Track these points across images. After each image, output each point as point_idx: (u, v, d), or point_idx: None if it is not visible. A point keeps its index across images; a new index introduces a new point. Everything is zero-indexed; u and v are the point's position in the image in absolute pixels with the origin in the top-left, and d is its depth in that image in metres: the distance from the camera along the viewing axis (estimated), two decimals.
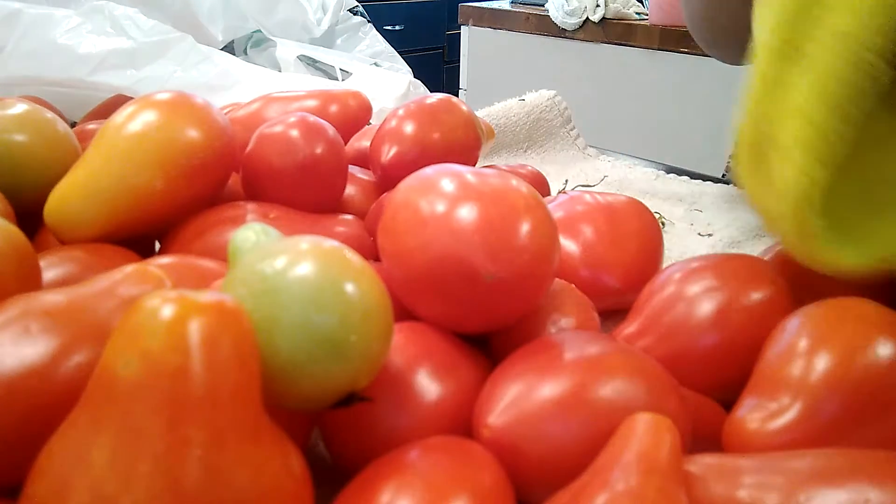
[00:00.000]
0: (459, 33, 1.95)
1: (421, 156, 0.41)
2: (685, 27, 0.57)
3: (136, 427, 0.18)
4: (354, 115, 0.47)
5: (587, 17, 1.59)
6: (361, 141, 0.50)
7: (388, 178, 0.42)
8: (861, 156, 0.28)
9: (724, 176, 0.77)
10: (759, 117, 0.29)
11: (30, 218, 0.34)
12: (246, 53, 0.85)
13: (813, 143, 0.27)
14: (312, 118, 0.39)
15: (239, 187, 0.40)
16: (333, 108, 0.46)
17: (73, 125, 0.49)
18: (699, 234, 0.53)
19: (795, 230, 0.29)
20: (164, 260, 0.31)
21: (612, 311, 0.39)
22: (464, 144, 0.43)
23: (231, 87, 0.62)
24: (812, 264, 0.30)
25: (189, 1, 0.78)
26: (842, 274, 0.29)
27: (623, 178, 0.65)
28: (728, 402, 0.29)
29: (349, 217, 0.40)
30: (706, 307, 0.31)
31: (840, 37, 0.26)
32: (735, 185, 0.63)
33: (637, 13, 1.57)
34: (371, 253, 0.37)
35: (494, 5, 1.86)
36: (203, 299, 0.20)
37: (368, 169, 0.46)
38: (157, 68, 0.61)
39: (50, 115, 0.37)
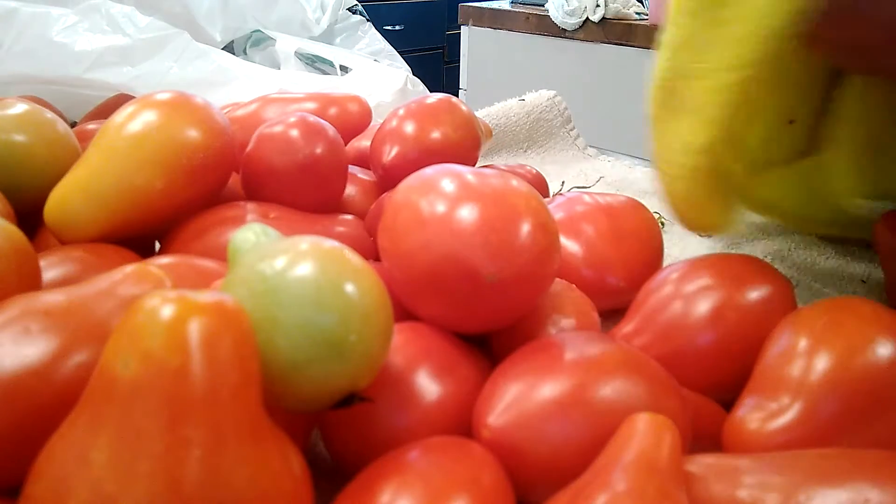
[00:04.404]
0: (459, 33, 1.95)
1: (422, 156, 0.41)
2: None
3: (136, 427, 0.18)
4: (354, 119, 0.47)
5: (587, 17, 1.59)
6: (361, 141, 0.50)
7: (389, 178, 0.42)
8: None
9: None
10: (674, 70, 0.31)
11: (30, 218, 0.34)
12: (245, 53, 0.85)
13: (724, 100, 0.30)
14: (312, 118, 0.39)
15: (239, 187, 0.40)
16: (333, 111, 0.45)
17: (73, 125, 0.49)
18: (699, 234, 0.53)
19: (691, 181, 0.32)
20: (164, 260, 0.31)
21: (612, 311, 0.39)
22: (464, 144, 0.43)
23: (228, 84, 0.62)
24: (689, 221, 0.33)
25: (187, 2, 0.78)
26: (706, 231, 0.34)
27: (623, 178, 0.65)
28: (727, 401, 0.29)
29: (349, 217, 0.40)
30: (703, 306, 0.31)
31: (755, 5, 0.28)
32: None
33: (637, 13, 1.57)
34: (371, 253, 0.37)
35: (494, 5, 1.86)
36: (203, 299, 0.20)
37: (368, 169, 0.46)
38: (154, 65, 0.61)
39: (50, 115, 0.37)
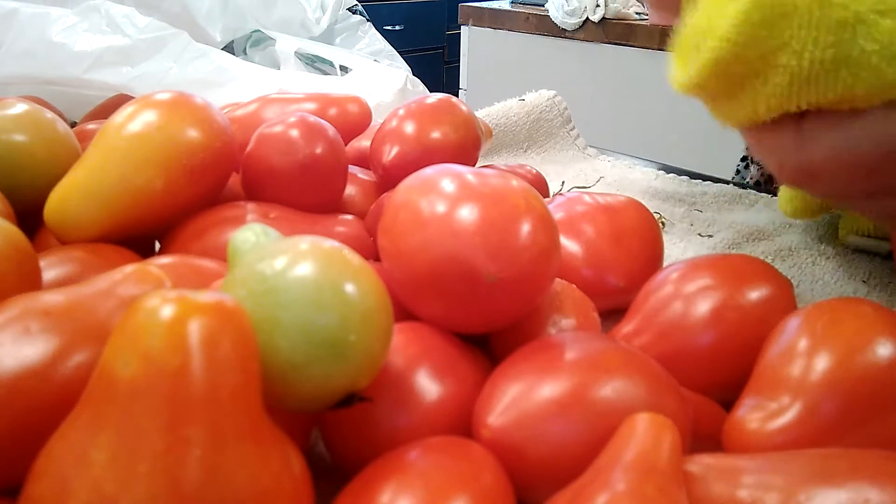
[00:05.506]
0: (459, 33, 1.95)
1: (422, 156, 0.41)
2: None
3: (136, 427, 0.18)
4: (354, 119, 0.47)
5: (587, 17, 1.59)
6: (361, 141, 0.50)
7: (390, 178, 0.42)
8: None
9: (736, 174, 0.77)
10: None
11: (30, 218, 0.34)
12: (245, 53, 0.85)
13: None
14: (312, 118, 0.39)
15: (239, 187, 0.40)
16: (333, 112, 0.45)
17: (73, 125, 0.49)
18: (699, 234, 0.53)
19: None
20: (164, 260, 0.31)
21: (613, 311, 0.39)
22: (464, 144, 0.43)
23: (227, 84, 0.62)
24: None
25: (187, 2, 0.78)
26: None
27: (623, 178, 0.65)
28: (728, 402, 0.29)
29: (349, 217, 0.40)
30: (703, 306, 0.31)
31: None
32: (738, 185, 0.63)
33: (637, 13, 1.57)
34: (371, 253, 0.37)
35: (494, 5, 1.86)
36: (203, 299, 0.20)
37: (368, 169, 0.46)
38: (153, 65, 0.61)
39: (50, 115, 0.37)
